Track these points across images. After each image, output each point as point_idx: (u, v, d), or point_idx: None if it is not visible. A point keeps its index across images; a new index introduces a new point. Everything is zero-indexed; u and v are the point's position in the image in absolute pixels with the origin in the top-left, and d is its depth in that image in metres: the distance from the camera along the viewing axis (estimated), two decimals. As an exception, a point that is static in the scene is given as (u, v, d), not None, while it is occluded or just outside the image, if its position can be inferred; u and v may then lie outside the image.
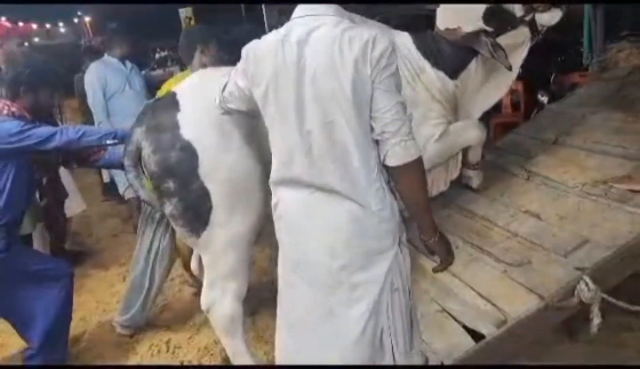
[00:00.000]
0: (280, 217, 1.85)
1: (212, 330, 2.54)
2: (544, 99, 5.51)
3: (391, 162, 1.64)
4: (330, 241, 1.73)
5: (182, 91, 2.32)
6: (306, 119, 1.66)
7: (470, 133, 2.91)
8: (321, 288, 1.78)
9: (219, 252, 2.32)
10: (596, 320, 2.15)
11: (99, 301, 3.65)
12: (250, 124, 2.17)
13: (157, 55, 14.62)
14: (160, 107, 2.29)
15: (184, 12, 13.02)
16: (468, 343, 2.17)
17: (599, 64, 3.99)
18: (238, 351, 2.47)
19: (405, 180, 1.67)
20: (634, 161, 2.67)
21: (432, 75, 2.76)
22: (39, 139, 2.53)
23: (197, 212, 2.23)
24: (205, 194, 2.20)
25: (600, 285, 2.16)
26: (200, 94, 2.26)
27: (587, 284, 2.16)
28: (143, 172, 2.33)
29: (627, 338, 2.59)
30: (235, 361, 2.48)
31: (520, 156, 3.23)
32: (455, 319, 2.30)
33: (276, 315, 1.97)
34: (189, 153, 2.18)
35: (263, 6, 8.25)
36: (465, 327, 2.24)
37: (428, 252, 1.83)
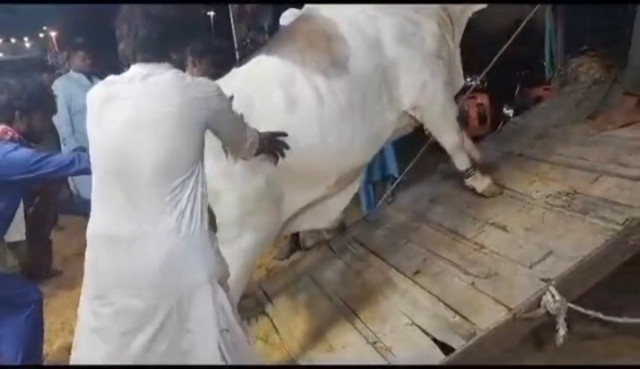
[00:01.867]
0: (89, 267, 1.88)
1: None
2: (509, 112, 5.65)
3: None
4: (137, 287, 1.75)
5: None
6: (117, 159, 1.75)
7: (450, 135, 2.96)
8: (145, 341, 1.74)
9: None
10: (562, 330, 2.18)
11: (64, 322, 3.55)
12: None
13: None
14: None
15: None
16: (438, 356, 2.18)
17: (560, 78, 4.10)
18: None
19: None
20: (595, 173, 2.74)
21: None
22: (58, 166, 2.49)
23: None
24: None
25: (566, 296, 2.20)
26: None
27: (553, 296, 2.19)
28: None
29: (592, 346, 2.65)
30: None
31: (485, 169, 3.28)
32: (425, 332, 2.31)
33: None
34: None
35: (232, 21, 8.29)
36: (435, 340, 2.25)
37: None
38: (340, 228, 3.65)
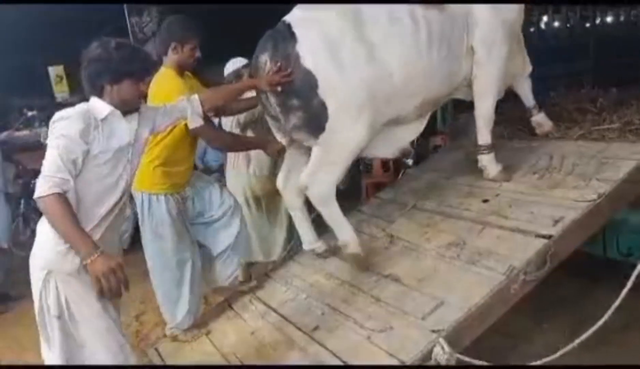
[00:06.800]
0: None
1: None
2: (409, 161, 5.87)
3: (34, 195, 1.97)
4: None
5: (295, 22, 2.78)
6: None
7: (489, 101, 3.26)
8: None
9: (332, 149, 2.87)
10: (453, 381, 2.24)
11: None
12: (364, 50, 2.75)
13: (23, 115, 13.65)
14: (280, 39, 2.78)
15: (54, 70, 12.41)
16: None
17: (451, 132, 4.35)
18: (334, 215, 3.02)
19: (43, 211, 1.99)
20: (480, 224, 2.89)
21: None
22: None
23: (317, 122, 2.79)
24: (323, 108, 2.75)
25: (456, 346, 2.26)
26: (313, 24, 2.78)
27: (442, 347, 2.24)
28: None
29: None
30: (333, 224, 3.05)
31: (382, 220, 3.37)
32: (322, 392, 2.29)
33: None
34: (309, 78, 2.71)
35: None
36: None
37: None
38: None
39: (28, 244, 5.93)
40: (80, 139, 2.02)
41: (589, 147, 3.21)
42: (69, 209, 1.96)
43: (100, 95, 2.14)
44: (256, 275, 3.63)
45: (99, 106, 2.13)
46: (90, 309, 2.08)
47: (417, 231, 3.12)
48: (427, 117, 3.27)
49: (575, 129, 3.52)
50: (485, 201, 3.09)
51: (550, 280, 2.60)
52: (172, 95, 2.80)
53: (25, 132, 12.20)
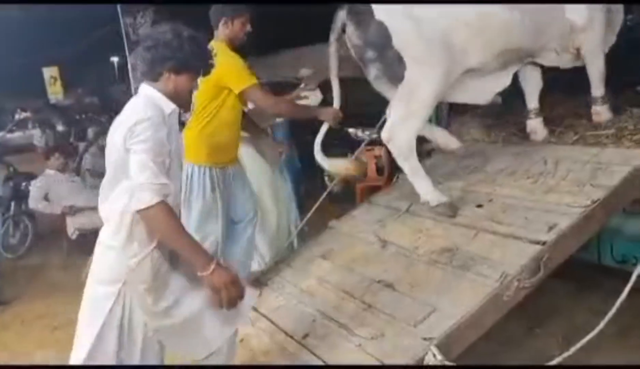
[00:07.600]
0: None
1: None
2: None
3: (134, 207, 1.89)
4: None
5: None
6: None
7: (600, 62, 3.47)
8: None
9: (411, 99, 2.99)
10: (444, 389, 2.20)
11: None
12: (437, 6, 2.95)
13: (16, 117, 13.58)
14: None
15: (49, 71, 12.37)
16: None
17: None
18: (414, 169, 3.16)
19: (148, 223, 1.92)
20: (473, 229, 2.86)
21: None
22: None
23: (394, 71, 2.98)
24: (399, 58, 2.93)
25: (447, 353, 2.23)
26: None
27: (434, 355, 2.21)
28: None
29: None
30: (413, 178, 3.16)
31: (375, 225, 3.34)
32: (311, 399, 2.26)
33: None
34: (382, 29, 2.91)
35: (130, 70, 8.22)
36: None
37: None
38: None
39: (18, 247, 5.94)
40: (166, 140, 1.95)
41: (584, 152, 3.18)
42: (177, 218, 1.91)
43: (154, 80, 2.03)
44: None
45: (163, 100, 2.03)
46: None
47: (410, 236, 3.09)
48: (514, 70, 3.34)
49: (569, 133, 3.50)
50: (479, 206, 3.07)
51: (543, 286, 2.58)
52: (228, 67, 2.89)
53: (18, 134, 12.20)
